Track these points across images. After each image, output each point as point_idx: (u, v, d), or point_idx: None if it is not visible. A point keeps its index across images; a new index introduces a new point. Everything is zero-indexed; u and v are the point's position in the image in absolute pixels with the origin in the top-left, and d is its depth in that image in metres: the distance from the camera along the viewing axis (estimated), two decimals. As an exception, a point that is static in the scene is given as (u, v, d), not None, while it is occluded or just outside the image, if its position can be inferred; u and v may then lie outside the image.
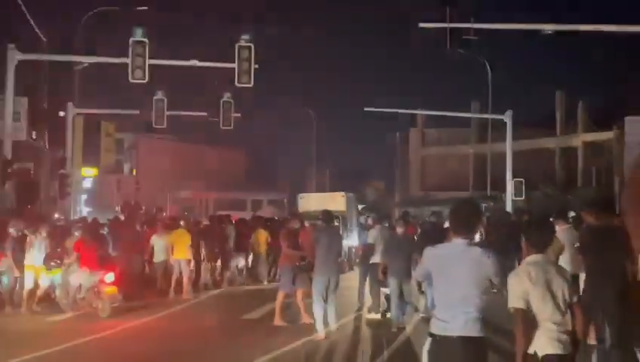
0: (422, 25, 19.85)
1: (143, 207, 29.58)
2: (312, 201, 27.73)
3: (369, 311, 14.59)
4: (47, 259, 14.90)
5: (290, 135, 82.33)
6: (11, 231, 14.82)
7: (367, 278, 15.12)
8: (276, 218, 29.53)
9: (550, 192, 38.24)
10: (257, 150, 67.54)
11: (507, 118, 30.86)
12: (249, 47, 21.60)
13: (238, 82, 21.83)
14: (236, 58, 21.58)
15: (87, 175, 38.28)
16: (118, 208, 31.49)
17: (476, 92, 44.29)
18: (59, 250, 15.39)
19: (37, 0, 30.20)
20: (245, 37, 21.73)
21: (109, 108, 35.38)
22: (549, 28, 19.84)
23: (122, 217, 23.20)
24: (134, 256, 17.82)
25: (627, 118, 32.17)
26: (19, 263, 14.66)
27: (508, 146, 31.12)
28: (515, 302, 5.21)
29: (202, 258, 19.62)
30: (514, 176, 30.89)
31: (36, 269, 14.85)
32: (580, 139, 43.15)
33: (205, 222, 23.37)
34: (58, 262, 15.06)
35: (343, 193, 28.55)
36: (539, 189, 37.72)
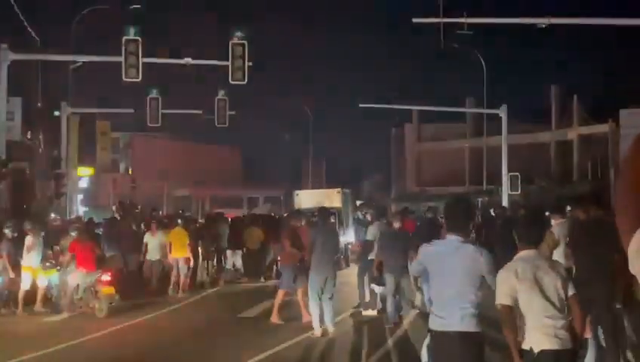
0: (415, 20, 19.84)
1: (139, 206, 29.53)
2: (307, 198, 27.72)
3: (365, 308, 14.57)
4: (43, 260, 14.88)
5: (286, 132, 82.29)
6: (6, 231, 14.76)
7: (366, 275, 15.07)
8: (273, 214, 29.56)
9: (546, 186, 38.28)
10: (253, 147, 67.64)
11: (502, 112, 30.87)
12: (242, 45, 21.55)
13: (232, 79, 21.79)
14: (230, 55, 21.54)
15: (84, 174, 38.24)
16: (114, 207, 31.44)
17: (471, 87, 44.30)
18: (57, 248, 15.37)
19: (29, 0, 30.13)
20: (238, 34, 21.67)
21: (103, 108, 35.34)
22: (543, 22, 19.82)
23: (118, 216, 23.15)
24: (130, 255, 17.76)
25: (623, 111, 32.24)
26: (14, 264, 14.58)
27: (503, 141, 31.13)
28: (501, 298, 5.21)
29: (199, 256, 19.61)
30: (510, 170, 30.91)
31: (34, 270, 14.81)
32: (575, 133, 43.21)
33: (201, 220, 23.37)
34: (53, 262, 15.06)
35: (338, 189, 28.51)
36: (535, 183, 37.76)
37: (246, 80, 21.69)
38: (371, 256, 14.44)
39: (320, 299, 12.10)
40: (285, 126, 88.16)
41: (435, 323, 5.48)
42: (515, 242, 5.54)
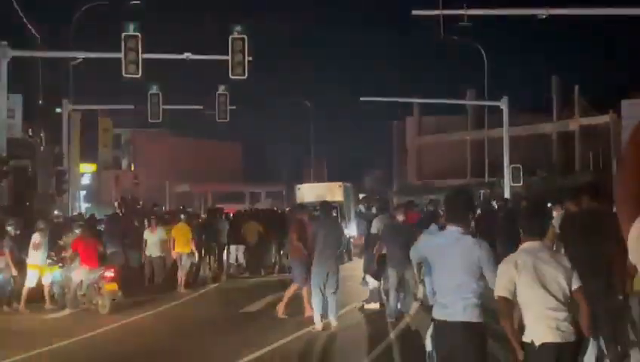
0: (415, 12, 19.77)
1: (141, 202, 29.57)
2: (309, 192, 27.71)
3: (368, 302, 14.56)
4: (47, 257, 14.92)
5: (287, 126, 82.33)
6: (9, 229, 14.76)
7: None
8: (275, 209, 29.56)
9: (548, 177, 38.22)
10: (254, 142, 67.53)
11: (503, 104, 30.78)
12: (242, 39, 21.46)
13: (232, 74, 21.70)
14: (230, 50, 21.47)
15: (86, 171, 38.24)
16: (115, 204, 31.47)
17: (472, 79, 44.26)
18: (61, 243, 15.39)
19: (29, -3, 30.07)
20: (238, 28, 21.58)
21: (104, 104, 35.29)
22: (543, 13, 19.75)
23: (120, 212, 23.20)
24: (132, 251, 17.76)
25: (624, 101, 32.15)
26: (17, 262, 14.60)
27: (505, 132, 31.05)
28: (500, 290, 5.20)
29: (202, 251, 19.63)
30: (511, 161, 30.85)
31: (40, 268, 14.85)
32: (576, 124, 43.12)
33: (203, 215, 23.39)
34: (55, 259, 15.07)
35: (340, 183, 28.52)
36: (537, 175, 37.71)
37: (246, 75, 21.61)
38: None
39: (322, 293, 12.08)
40: (286, 120, 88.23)
41: (438, 313, 5.55)
42: (517, 234, 5.54)
